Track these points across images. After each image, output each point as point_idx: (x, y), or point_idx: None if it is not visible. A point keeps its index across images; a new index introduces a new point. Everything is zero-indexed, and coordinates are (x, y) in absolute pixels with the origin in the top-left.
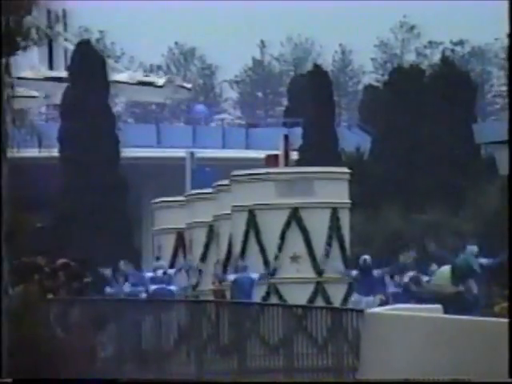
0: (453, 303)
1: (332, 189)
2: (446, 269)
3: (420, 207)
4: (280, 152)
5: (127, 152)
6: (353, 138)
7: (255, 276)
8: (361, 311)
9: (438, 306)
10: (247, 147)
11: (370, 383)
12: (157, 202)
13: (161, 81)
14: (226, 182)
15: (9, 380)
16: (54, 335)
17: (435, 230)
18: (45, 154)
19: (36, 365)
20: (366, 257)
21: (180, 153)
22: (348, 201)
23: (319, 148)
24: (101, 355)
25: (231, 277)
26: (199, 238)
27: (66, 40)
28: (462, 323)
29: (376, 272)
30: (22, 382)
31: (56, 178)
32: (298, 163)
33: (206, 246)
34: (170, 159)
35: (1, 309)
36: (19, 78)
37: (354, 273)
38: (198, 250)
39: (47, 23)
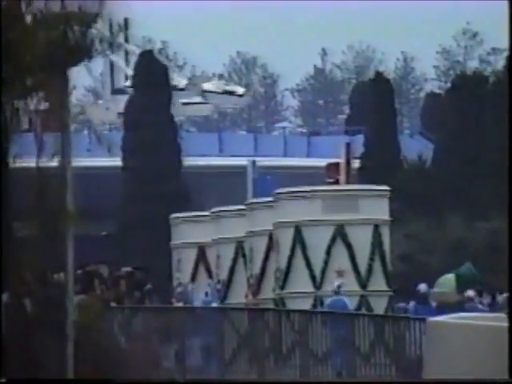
0: (457, 311)
1: (374, 206)
2: (451, 277)
3: (484, 215)
4: (341, 160)
5: (189, 161)
6: (415, 146)
7: (347, 302)
8: (423, 320)
9: (503, 315)
10: (308, 155)
11: (369, 382)
12: (176, 218)
13: (241, 90)
14: (257, 200)
15: (3, 380)
16: (119, 344)
17: (499, 238)
18: (109, 162)
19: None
20: (423, 286)
21: (242, 161)
22: (388, 218)
23: (381, 156)
24: (165, 364)
25: (327, 301)
26: (227, 253)
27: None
28: None
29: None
30: (16, 383)
31: (120, 187)
32: (360, 171)
33: (234, 261)
34: (231, 168)
35: (0, 312)
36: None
37: (411, 305)
38: (225, 265)
39: (109, 34)
